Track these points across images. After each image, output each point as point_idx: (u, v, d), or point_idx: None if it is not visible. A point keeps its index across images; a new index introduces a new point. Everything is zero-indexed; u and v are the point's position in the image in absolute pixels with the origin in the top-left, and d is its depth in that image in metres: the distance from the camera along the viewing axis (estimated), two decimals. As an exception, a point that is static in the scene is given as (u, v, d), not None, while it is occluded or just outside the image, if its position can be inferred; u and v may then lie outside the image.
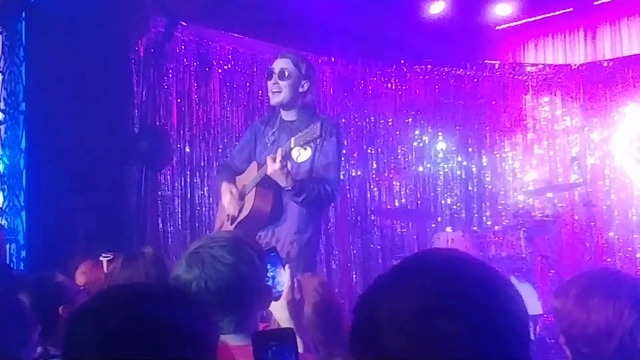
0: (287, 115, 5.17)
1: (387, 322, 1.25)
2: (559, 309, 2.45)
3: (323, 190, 4.90)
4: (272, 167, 4.72)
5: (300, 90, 5.08)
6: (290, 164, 4.83)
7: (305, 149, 4.84)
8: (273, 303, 2.54)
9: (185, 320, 1.62)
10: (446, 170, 9.40)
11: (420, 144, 9.30)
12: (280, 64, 5.10)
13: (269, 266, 2.52)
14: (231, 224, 5.08)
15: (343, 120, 8.71)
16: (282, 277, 2.56)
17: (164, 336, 1.56)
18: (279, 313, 2.56)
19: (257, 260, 2.46)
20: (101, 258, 3.99)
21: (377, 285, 1.34)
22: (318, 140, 4.68)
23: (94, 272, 4.31)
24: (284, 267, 2.59)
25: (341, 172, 8.34)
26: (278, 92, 5.07)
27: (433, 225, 8.93)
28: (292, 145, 4.71)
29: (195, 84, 7.73)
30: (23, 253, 5.94)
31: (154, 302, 1.64)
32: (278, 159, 4.70)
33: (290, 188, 4.79)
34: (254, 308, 2.50)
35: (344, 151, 8.23)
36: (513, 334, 1.25)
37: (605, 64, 9.15)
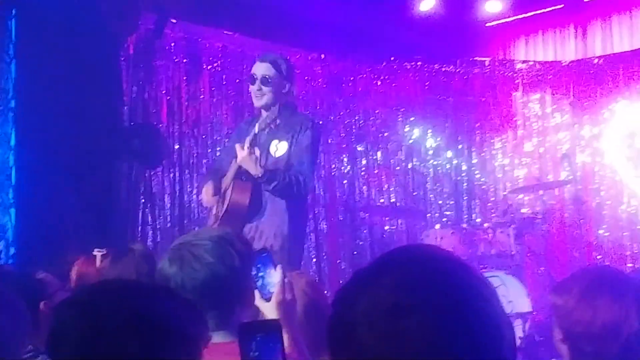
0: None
1: (361, 319, 1.25)
2: (560, 305, 2.41)
3: (295, 178, 4.97)
4: (241, 155, 4.82)
5: (283, 91, 5.16)
6: (269, 159, 5.00)
7: (267, 131, 4.99)
8: (264, 304, 2.53)
9: (172, 318, 1.61)
10: (436, 166, 9.40)
11: (410, 141, 9.29)
12: (262, 69, 5.15)
13: (259, 266, 2.50)
14: (215, 221, 5.14)
15: (332, 117, 8.71)
16: (273, 278, 2.54)
17: (151, 332, 1.55)
18: (271, 314, 2.55)
19: (238, 262, 2.47)
20: (95, 252, 3.98)
21: (352, 282, 1.33)
22: (278, 120, 4.84)
23: (85, 266, 4.30)
24: (275, 267, 2.57)
25: (332, 169, 8.47)
26: (261, 96, 5.13)
27: (422, 223, 8.92)
28: (256, 131, 4.89)
29: (185, 81, 7.71)
30: (12, 250, 5.92)
31: (140, 297, 1.64)
32: (246, 145, 4.79)
33: (260, 175, 4.85)
34: (234, 307, 2.50)
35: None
36: (486, 334, 1.24)
37: (595, 61, 9.13)
